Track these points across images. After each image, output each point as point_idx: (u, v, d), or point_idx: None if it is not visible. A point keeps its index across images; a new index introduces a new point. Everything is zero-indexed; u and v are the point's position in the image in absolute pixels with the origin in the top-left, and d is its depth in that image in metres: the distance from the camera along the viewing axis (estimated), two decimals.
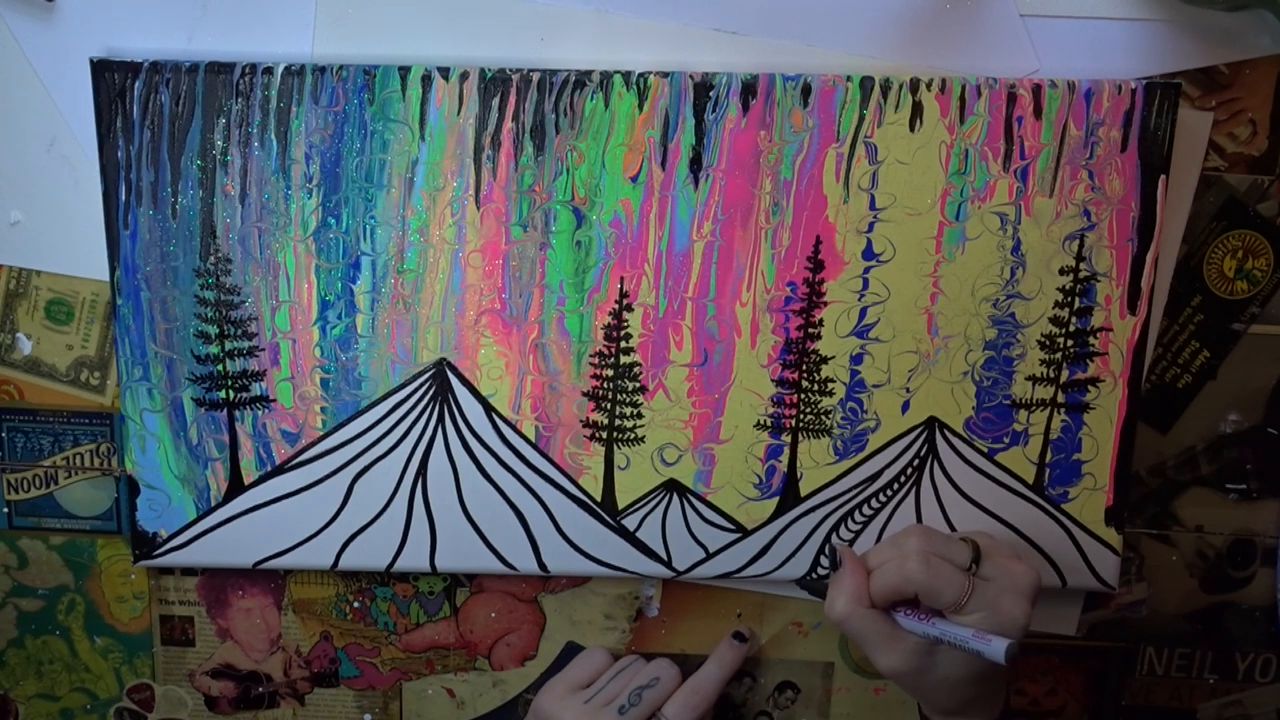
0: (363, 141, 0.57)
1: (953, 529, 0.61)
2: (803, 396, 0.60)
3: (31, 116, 0.59)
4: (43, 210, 0.60)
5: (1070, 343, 0.59)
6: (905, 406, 0.60)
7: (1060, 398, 0.60)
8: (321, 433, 0.60)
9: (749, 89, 0.56)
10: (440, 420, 0.60)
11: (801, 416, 0.60)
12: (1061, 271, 0.58)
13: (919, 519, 0.61)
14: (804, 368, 0.60)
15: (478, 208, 0.58)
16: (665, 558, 0.62)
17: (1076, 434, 0.60)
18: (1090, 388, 0.60)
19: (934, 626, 0.52)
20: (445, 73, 0.56)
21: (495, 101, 0.56)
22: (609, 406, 0.60)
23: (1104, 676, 0.67)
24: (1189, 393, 0.63)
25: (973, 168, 0.57)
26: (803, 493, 0.61)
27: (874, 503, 0.61)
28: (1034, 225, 0.58)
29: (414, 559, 0.62)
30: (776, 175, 0.57)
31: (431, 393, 0.60)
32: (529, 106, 0.56)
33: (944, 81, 0.56)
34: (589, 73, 0.56)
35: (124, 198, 0.58)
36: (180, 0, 0.57)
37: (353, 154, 0.57)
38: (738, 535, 0.62)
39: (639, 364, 0.59)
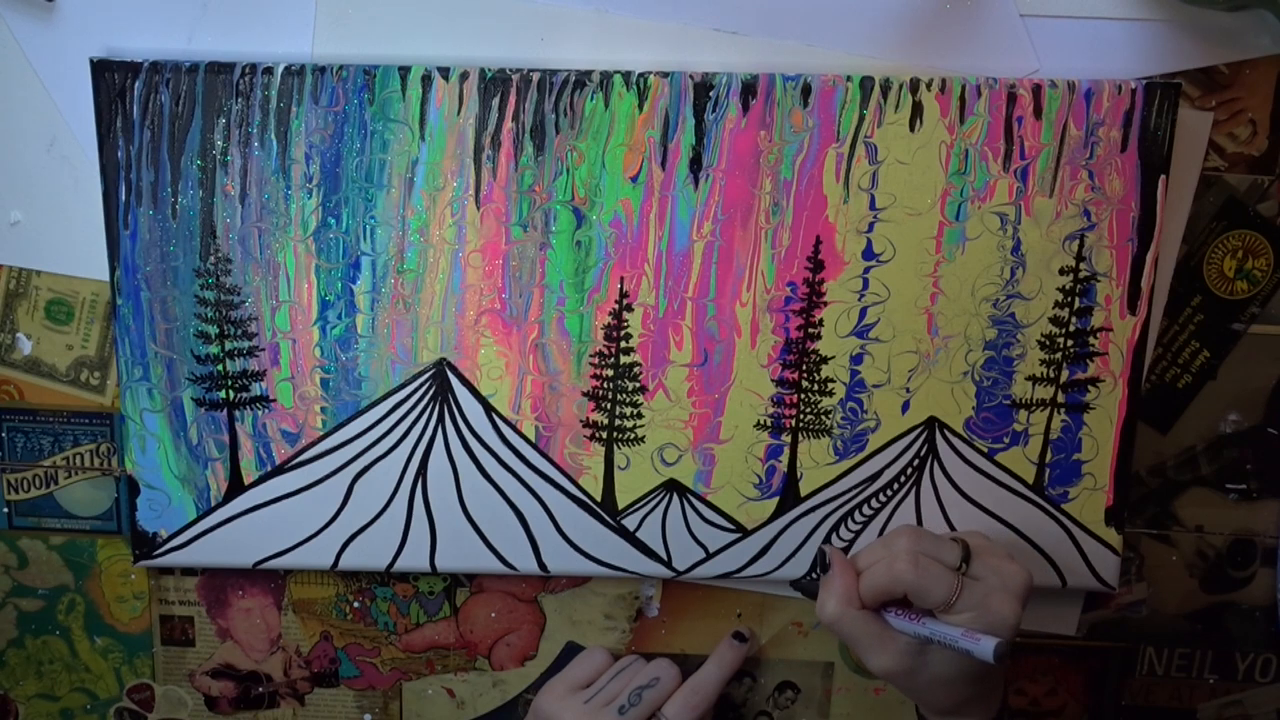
0: (363, 141, 0.57)
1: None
2: (803, 396, 0.60)
3: (31, 116, 0.59)
4: (43, 210, 0.60)
5: (1070, 343, 0.59)
6: (905, 406, 0.60)
7: (1060, 398, 0.60)
8: (321, 433, 0.60)
9: (749, 89, 0.56)
10: (440, 420, 0.60)
11: (801, 416, 0.60)
12: (1061, 271, 0.58)
13: (919, 519, 0.61)
14: (804, 368, 0.60)
15: (478, 208, 0.58)
16: (665, 558, 0.62)
17: (1076, 434, 0.60)
18: (1090, 388, 0.60)
19: (924, 626, 0.52)
20: (445, 73, 0.56)
21: (495, 101, 0.56)
22: (609, 406, 0.60)
23: (1104, 676, 0.67)
24: (1189, 393, 0.63)
25: (973, 168, 0.57)
26: (803, 493, 0.61)
27: (874, 503, 0.61)
28: (1034, 225, 0.58)
29: (414, 559, 0.62)
30: (776, 175, 0.57)
31: (431, 393, 0.60)
32: (529, 106, 0.56)
33: (944, 81, 0.56)
34: (589, 73, 0.56)
35: (124, 198, 0.58)
36: (180, 0, 0.57)
37: (353, 154, 0.57)
38: (738, 535, 0.62)
39: (639, 364, 0.59)
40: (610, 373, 0.60)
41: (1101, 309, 0.59)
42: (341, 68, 0.56)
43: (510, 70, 0.56)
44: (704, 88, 0.56)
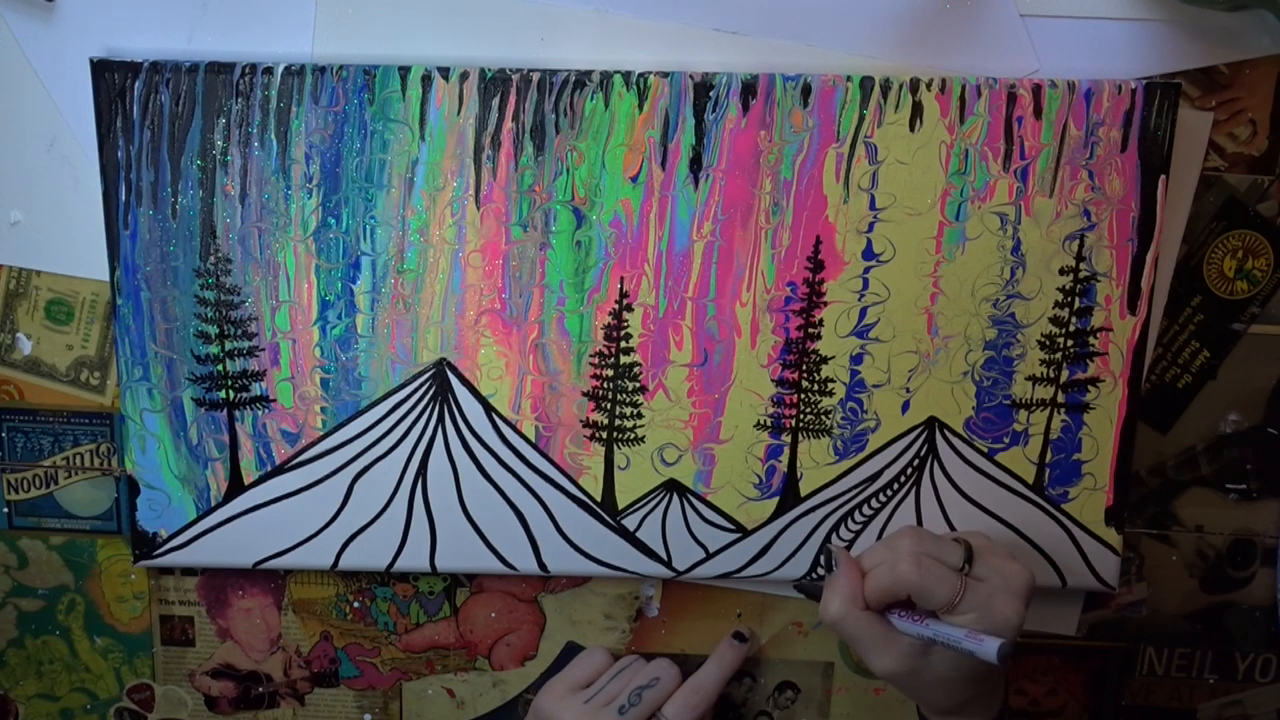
0: (363, 141, 0.57)
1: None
2: (803, 396, 0.60)
3: (31, 116, 0.59)
4: (43, 210, 0.60)
5: (1070, 343, 0.59)
6: (905, 406, 0.60)
7: (1060, 398, 0.60)
8: (321, 433, 0.60)
9: (749, 89, 0.56)
10: (440, 420, 0.60)
11: (801, 416, 0.60)
12: (1061, 271, 0.58)
13: (919, 519, 0.61)
14: (804, 368, 0.60)
15: (478, 208, 0.58)
16: (665, 558, 0.62)
17: (1076, 434, 0.60)
18: (1090, 388, 0.60)
19: (927, 627, 0.52)
20: (445, 73, 0.56)
21: (495, 101, 0.56)
22: (609, 406, 0.60)
23: (1104, 676, 0.67)
24: (1189, 393, 0.63)
25: (973, 168, 0.57)
26: (803, 493, 0.61)
27: (874, 503, 0.61)
28: (1034, 225, 0.58)
29: (414, 559, 0.62)
30: (776, 175, 0.57)
31: (431, 393, 0.60)
32: (529, 106, 0.56)
33: (944, 81, 0.56)
34: (589, 73, 0.56)
35: (124, 198, 0.58)
36: (180, 0, 0.57)
37: (353, 154, 0.57)
38: (738, 535, 0.62)
39: (639, 364, 0.59)
40: (610, 373, 0.60)
41: (1101, 309, 0.59)
42: (341, 68, 0.56)
43: (510, 70, 0.56)
44: (704, 88, 0.56)
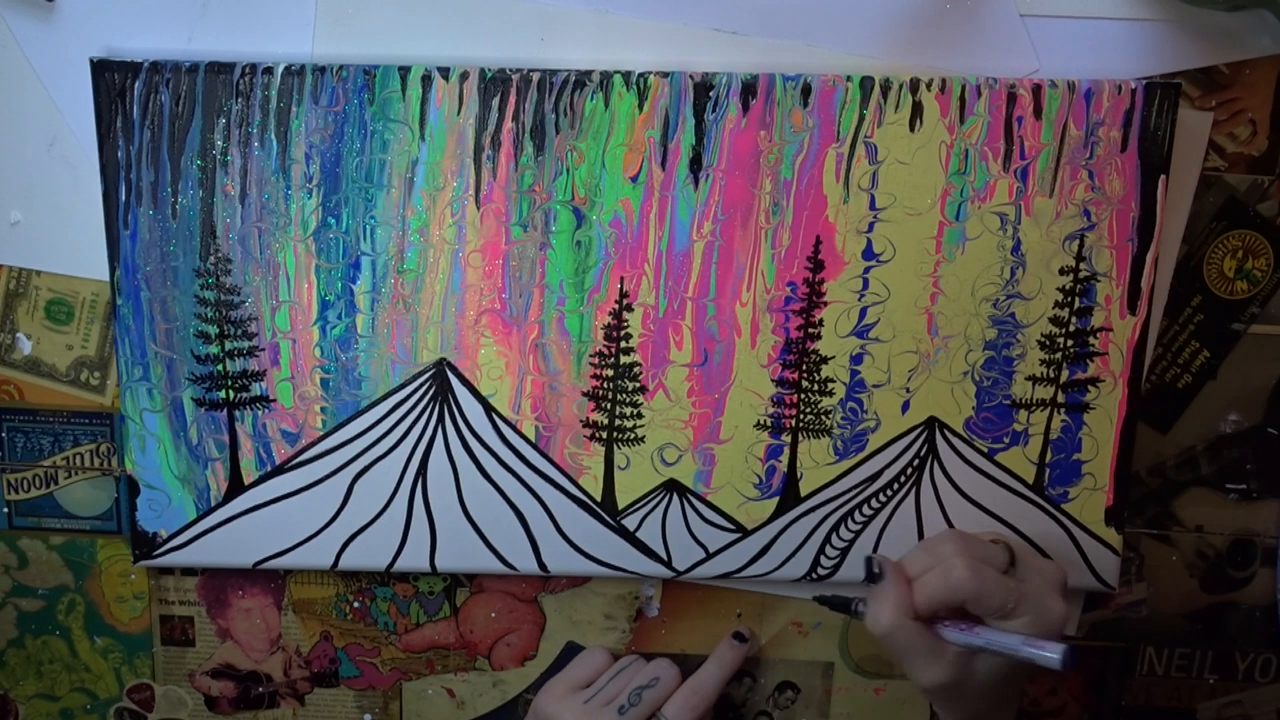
0: (363, 141, 0.57)
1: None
2: (803, 396, 0.60)
3: (31, 116, 0.59)
4: (43, 210, 0.60)
5: (1070, 343, 0.59)
6: (905, 406, 0.60)
7: (1060, 398, 0.60)
8: (321, 433, 0.60)
9: (749, 89, 0.56)
10: (440, 420, 0.60)
11: (801, 416, 0.60)
12: (1061, 271, 0.58)
13: (919, 519, 0.61)
14: (804, 368, 0.60)
15: (478, 208, 0.58)
16: (665, 558, 0.62)
17: (1076, 434, 0.60)
18: (1090, 388, 0.60)
19: (978, 636, 0.50)
20: (445, 73, 0.56)
21: (495, 101, 0.56)
22: (609, 406, 0.60)
23: (1104, 676, 0.67)
24: (1189, 393, 0.63)
25: (973, 168, 0.57)
26: (803, 493, 0.61)
27: (874, 503, 0.61)
28: (1034, 225, 0.58)
29: (414, 559, 0.62)
30: (776, 175, 0.57)
31: (431, 393, 0.60)
32: (529, 106, 0.56)
33: (944, 81, 0.56)
34: (589, 73, 0.56)
35: (124, 198, 0.58)
36: (180, 0, 0.57)
37: (353, 154, 0.57)
38: (738, 535, 0.62)
39: (639, 364, 0.59)
40: (610, 373, 0.60)
41: (1101, 309, 0.59)
42: (341, 68, 0.56)
43: (510, 70, 0.56)
44: (704, 88, 0.56)
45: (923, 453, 0.61)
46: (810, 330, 0.59)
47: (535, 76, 0.56)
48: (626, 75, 0.56)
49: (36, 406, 0.63)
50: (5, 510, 0.65)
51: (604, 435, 0.60)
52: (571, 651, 0.66)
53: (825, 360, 0.59)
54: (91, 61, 0.56)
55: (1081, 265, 0.58)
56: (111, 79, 0.56)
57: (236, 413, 0.60)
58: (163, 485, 0.61)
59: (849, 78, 0.56)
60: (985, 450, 0.61)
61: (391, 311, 0.59)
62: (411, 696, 0.67)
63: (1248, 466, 0.64)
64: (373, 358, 0.59)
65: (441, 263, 0.58)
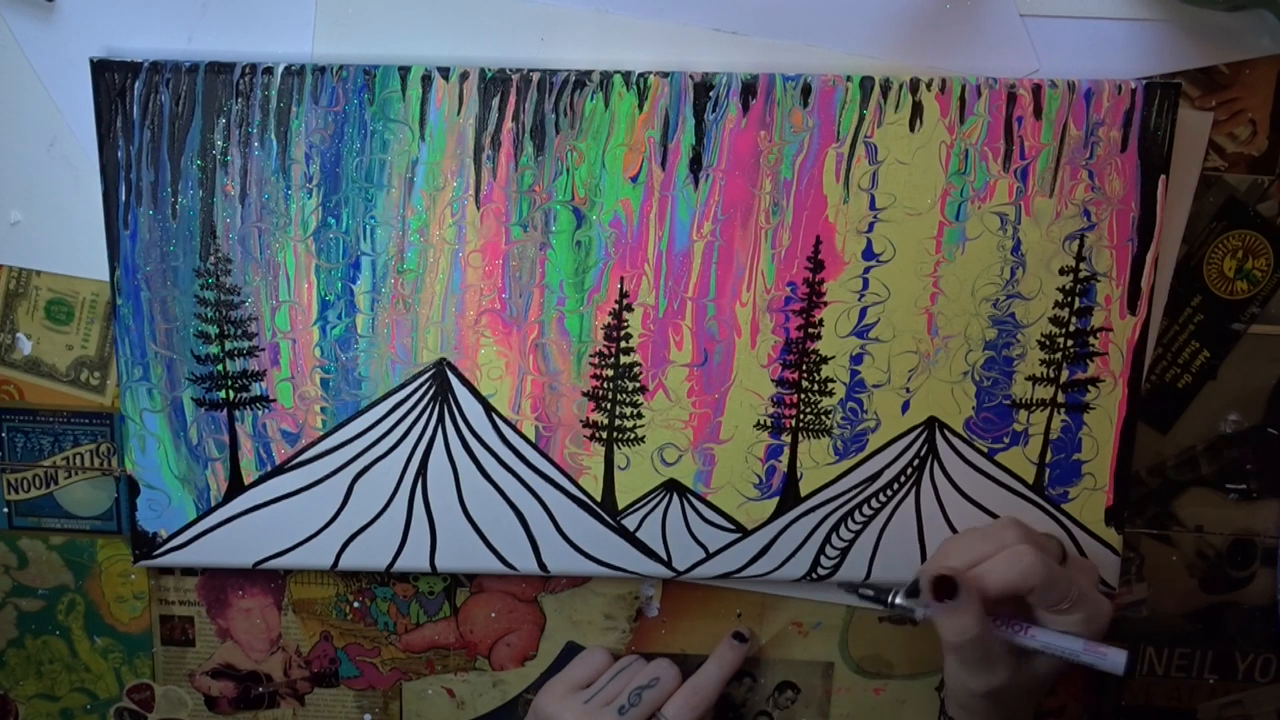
0: (363, 141, 0.57)
1: (953, 529, 0.61)
2: (803, 396, 0.60)
3: (31, 116, 0.59)
4: (43, 210, 0.60)
5: (1070, 343, 0.59)
6: (905, 406, 0.60)
7: (1060, 398, 0.60)
8: (321, 433, 0.60)
9: (749, 89, 0.56)
10: (440, 420, 0.60)
11: (801, 416, 0.60)
12: (1061, 271, 0.58)
13: (919, 519, 0.61)
14: (804, 368, 0.60)
15: (478, 208, 0.58)
16: (665, 558, 0.62)
17: (1076, 434, 0.60)
18: (1090, 388, 0.60)
19: (1035, 639, 0.51)
20: (445, 73, 0.56)
21: (495, 101, 0.56)
22: (609, 406, 0.60)
23: (1104, 676, 0.67)
24: (1189, 393, 0.63)
25: (973, 168, 0.57)
26: (803, 493, 0.61)
27: (874, 503, 0.61)
28: (1034, 225, 0.58)
29: (414, 559, 0.62)
30: (776, 175, 0.57)
31: (431, 393, 0.60)
32: (529, 106, 0.56)
33: (944, 81, 0.56)
34: (589, 73, 0.56)
35: (124, 198, 0.58)
36: (180, 0, 0.57)
37: (353, 154, 0.57)
38: (738, 535, 0.62)
39: (639, 364, 0.59)
40: (610, 373, 0.60)
41: (1101, 309, 0.59)
42: (341, 68, 0.56)
43: (510, 70, 0.56)
44: (704, 88, 0.56)
45: (923, 453, 0.61)
46: (810, 330, 0.59)
47: (535, 76, 0.56)
48: (626, 75, 0.56)
49: (36, 406, 0.63)
50: (5, 510, 0.65)
51: (604, 435, 0.60)
52: (571, 651, 0.66)
53: (825, 360, 0.59)
54: (91, 61, 0.56)
55: (1081, 265, 0.58)
56: (111, 79, 0.56)
57: (236, 413, 0.60)
58: (163, 485, 0.61)
59: (849, 78, 0.56)
60: (985, 450, 0.61)
61: (391, 311, 0.59)
62: (411, 696, 0.67)
63: (1248, 466, 0.64)
64: (373, 358, 0.60)
65: (441, 263, 0.58)
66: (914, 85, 0.56)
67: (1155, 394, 0.63)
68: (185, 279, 0.59)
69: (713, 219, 0.58)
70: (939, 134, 0.56)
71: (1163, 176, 0.57)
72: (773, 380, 0.60)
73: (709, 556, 0.62)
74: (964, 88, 0.56)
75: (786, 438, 0.60)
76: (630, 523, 0.62)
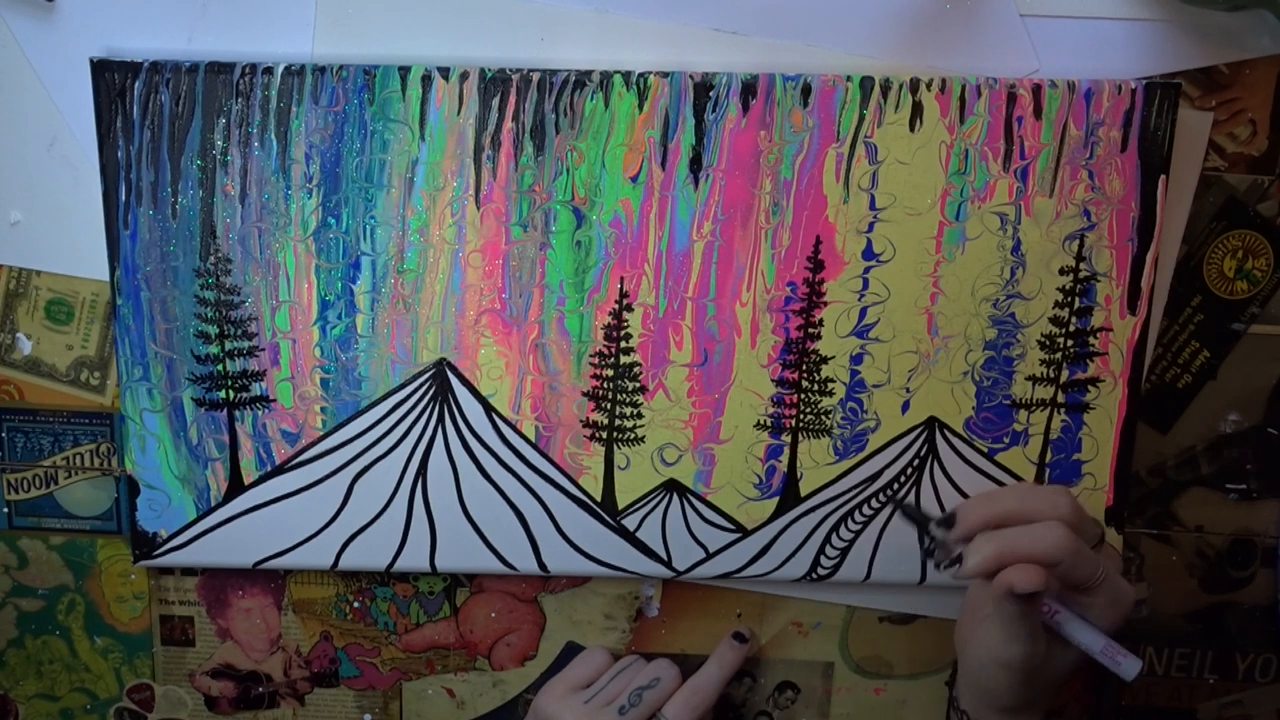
0: (363, 141, 0.57)
1: None
2: (803, 396, 0.60)
3: (31, 116, 0.59)
4: (43, 210, 0.60)
5: (1070, 343, 0.59)
6: (905, 406, 0.60)
7: (1060, 398, 0.60)
8: (321, 433, 0.60)
9: (749, 89, 0.56)
10: (440, 420, 0.60)
11: (801, 416, 0.60)
12: (1061, 271, 0.58)
13: None
14: (804, 368, 0.60)
15: (478, 208, 0.58)
16: (665, 558, 0.62)
17: (1076, 434, 0.60)
18: (1090, 388, 0.60)
19: (1060, 624, 0.53)
20: (445, 73, 0.56)
21: (495, 101, 0.56)
22: (609, 406, 0.60)
23: (1104, 676, 0.67)
24: (1189, 393, 0.63)
25: (973, 168, 0.57)
26: (803, 493, 0.61)
27: (874, 503, 0.61)
28: (1034, 225, 0.58)
29: (414, 559, 0.62)
30: (776, 175, 0.57)
31: (431, 393, 0.60)
32: (529, 106, 0.56)
33: (944, 81, 0.56)
34: (589, 73, 0.56)
35: (124, 198, 0.58)
36: (180, 0, 0.57)
37: (353, 154, 0.57)
38: (738, 535, 0.62)
39: (639, 364, 0.59)
40: (610, 373, 0.60)
41: (1101, 309, 0.59)
42: (341, 68, 0.56)
43: (510, 70, 0.56)
44: (704, 88, 0.56)
45: (923, 453, 0.61)
46: (810, 330, 0.59)
47: (535, 76, 0.56)
48: (626, 75, 0.56)
49: (36, 406, 0.63)
50: (5, 510, 0.65)
51: (604, 435, 0.60)
52: (571, 651, 0.66)
53: (825, 360, 0.59)
54: (91, 61, 0.56)
55: (1081, 265, 0.58)
56: (111, 79, 0.56)
57: (236, 413, 0.60)
58: (163, 485, 0.61)
59: (849, 78, 0.56)
60: (985, 450, 0.61)
61: (391, 311, 0.59)
62: (411, 696, 0.67)
63: (1248, 466, 0.64)
64: (373, 358, 0.59)
65: (441, 263, 0.58)
66: (914, 85, 0.56)
67: (1155, 394, 0.63)
68: (185, 279, 0.59)
69: (713, 219, 0.58)
70: (939, 134, 0.56)
71: (1163, 176, 0.57)
72: (773, 380, 0.60)
73: (709, 556, 0.62)
74: (964, 88, 0.56)
75: (786, 438, 0.60)
76: (630, 523, 0.62)
